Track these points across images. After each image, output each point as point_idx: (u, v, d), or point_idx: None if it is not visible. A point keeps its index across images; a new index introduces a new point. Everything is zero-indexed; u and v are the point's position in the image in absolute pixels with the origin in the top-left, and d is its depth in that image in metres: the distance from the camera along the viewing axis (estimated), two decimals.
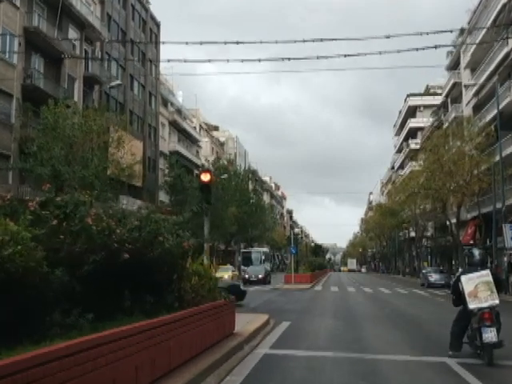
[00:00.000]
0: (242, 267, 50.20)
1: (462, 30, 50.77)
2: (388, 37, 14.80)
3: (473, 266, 9.75)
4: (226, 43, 15.02)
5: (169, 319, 7.31)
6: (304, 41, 15.15)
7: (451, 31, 14.98)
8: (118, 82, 37.00)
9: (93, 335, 5.06)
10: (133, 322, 6.31)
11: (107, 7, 43.58)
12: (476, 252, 9.99)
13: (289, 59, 15.34)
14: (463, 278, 9.50)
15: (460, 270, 35.24)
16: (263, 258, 56.11)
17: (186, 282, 9.33)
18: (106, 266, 6.29)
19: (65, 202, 6.09)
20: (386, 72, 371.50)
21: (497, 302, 9.24)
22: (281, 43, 15.28)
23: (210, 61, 15.42)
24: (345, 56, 15.61)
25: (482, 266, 9.76)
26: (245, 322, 13.37)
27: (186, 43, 15.12)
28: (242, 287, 21.90)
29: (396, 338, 12.24)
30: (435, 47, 14.99)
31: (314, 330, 13.62)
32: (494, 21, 36.40)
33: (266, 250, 64.16)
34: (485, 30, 40.21)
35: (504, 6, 35.57)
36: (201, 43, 15.09)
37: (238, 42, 14.96)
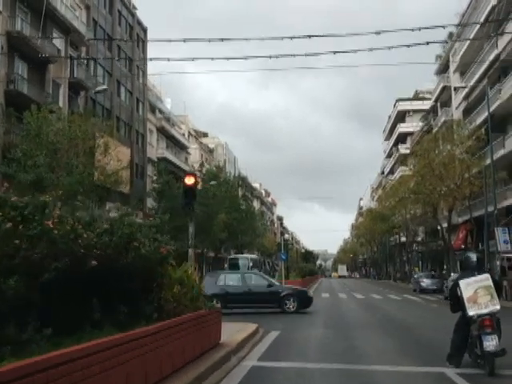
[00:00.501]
0: None
1: (451, 34, 50.83)
2: (378, 33, 14.35)
3: (469, 270, 9.22)
4: (210, 40, 14.50)
5: (145, 332, 6.69)
6: (292, 37, 14.66)
7: (444, 27, 14.53)
8: (104, 86, 36.42)
9: (48, 354, 4.42)
10: (102, 336, 5.70)
11: (93, 12, 42.96)
12: (473, 256, 9.45)
13: (276, 57, 14.81)
14: (462, 283, 8.94)
15: (452, 274, 34.91)
16: (251, 264, 54.84)
17: (166, 290, 8.72)
18: (72, 274, 5.67)
19: (25, 203, 5.46)
20: (375, 77, 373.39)
21: (498, 307, 8.70)
22: (267, 40, 14.87)
23: (193, 59, 14.86)
24: (334, 53, 15.15)
25: (479, 270, 9.22)
26: (232, 332, 12.74)
27: (170, 41, 14.60)
28: (309, 294, 21.82)
29: (390, 347, 11.66)
30: (427, 43, 14.56)
31: (304, 339, 13.01)
32: (484, 23, 36.12)
33: (254, 256, 62.81)
34: (475, 32, 40.10)
35: (493, 8, 35.35)
36: (184, 40, 14.56)
37: (222, 39, 14.44)
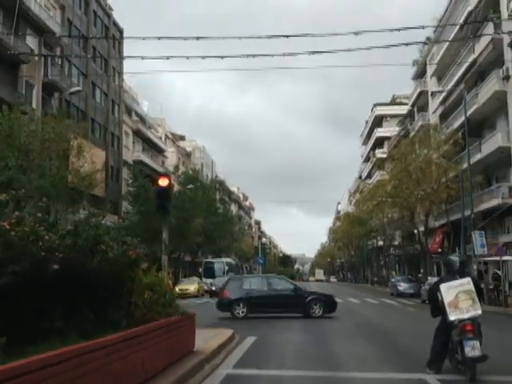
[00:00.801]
0: (204, 279, 48.37)
1: (428, 39, 51.12)
2: (357, 33, 14.16)
3: (452, 274, 8.99)
4: (185, 39, 14.17)
5: (111, 340, 6.29)
6: (269, 36, 14.38)
7: (423, 27, 14.41)
8: (78, 88, 35.75)
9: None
10: (64, 345, 5.29)
11: (68, 12, 42.27)
12: (456, 259, 9.20)
13: (253, 56, 14.52)
14: (443, 287, 8.69)
15: (429, 278, 34.91)
16: (227, 268, 54.03)
17: (137, 296, 8.32)
18: (32, 278, 5.26)
19: None
20: (353, 81, 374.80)
21: (479, 312, 8.46)
22: (245, 42, 14.85)
23: (168, 58, 14.46)
24: (312, 53, 14.90)
25: (461, 273, 8.98)
26: (207, 338, 12.35)
27: (143, 38, 14.23)
28: (335, 299, 21.79)
29: (369, 353, 11.37)
30: (406, 44, 14.40)
31: (281, 345, 12.67)
32: (461, 28, 36.34)
33: (230, 260, 61.97)
34: (452, 37, 40.33)
35: (470, 13, 35.56)
36: (159, 38, 14.20)
37: (198, 38, 14.07)
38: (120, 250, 6.98)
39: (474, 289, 8.57)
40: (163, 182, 12.48)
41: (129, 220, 10.09)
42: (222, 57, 15.08)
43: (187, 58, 14.92)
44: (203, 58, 14.96)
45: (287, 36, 14.55)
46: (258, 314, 20.47)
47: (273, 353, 11.44)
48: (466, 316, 8.37)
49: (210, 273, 51.29)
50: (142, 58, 14.84)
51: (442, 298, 8.62)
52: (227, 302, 21.09)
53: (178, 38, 14.31)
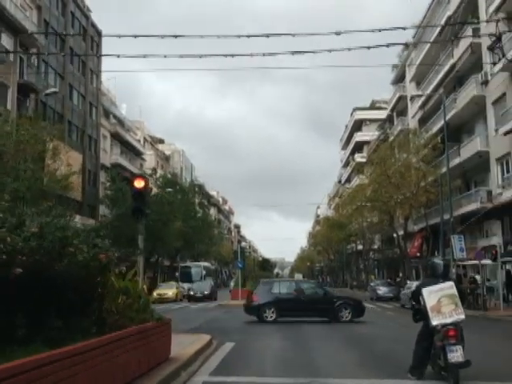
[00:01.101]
0: (180, 284, 47.71)
1: (407, 45, 51.37)
2: (338, 33, 13.93)
3: (434, 278, 8.77)
4: (162, 37, 13.79)
5: (79, 348, 5.93)
6: (249, 36, 14.10)
7: (404, 28, 14.22)
8: (55, 89, 35.11)
9: None
10: (27, 354, 4.93)
11: (44, 13, 41.53)
12: (439, 262, 9.00)
13: (232, 56, 14.22)
14: (425, 291, 8.46)
15: (408, 282, 34.86)
16: (204, 273, 53.32)
17: (109, 301, 7.96)
18: None
19: None
20: (333, 86, 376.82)
21: (462, 316, 8.25)
22: (223, 38, 14.34)
23: (145, 56, 14.13)
24: (292, 54, 14.65)
25: (444, 277, 8.78)
26: (184, 344, 12.02)
27: (119, 37, 13.83)
28: (363, 303, 21.74)
29: (350, 359, 11.11)
30: (387, 45, 14.23)
31: (260, 351, 12.36)
32: (440, 33, 36.54)
33: (208, 264, 61.33)
34: (430, 43, 40.51)
35: (449, 18, 35.75)
36: (135, 36, 13.85)
37: (176, 36, 13.75)
38: (90, 253, 6.62)
39: (456, 293, 8.37)
40: (139, 183, 12.11)
41: (100, 222, 9.56)
42: (200, 56, 14.76)
43: (164, 56, 14.60)
44: (181, 56, 14.64)
45: (267, 35, 14.28)
46: (286, 319, 20.43)
47: (251, 359, 11.14)
48: (448, 321, 8.16)
49: (187, 277, 50.67)
50: (118, 56, 14.47)
51: (424, 302, 8.41)
52: (256, 307, 20.98)
53: (155, 36, 13.94)
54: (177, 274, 55.97)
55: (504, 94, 30.41)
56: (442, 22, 36.71)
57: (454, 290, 8.38)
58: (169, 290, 41.03)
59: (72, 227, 6.68)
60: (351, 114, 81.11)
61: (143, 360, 8.37)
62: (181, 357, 10.26)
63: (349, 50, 14.89)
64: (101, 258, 6.88)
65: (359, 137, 75.37)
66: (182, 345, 11.86)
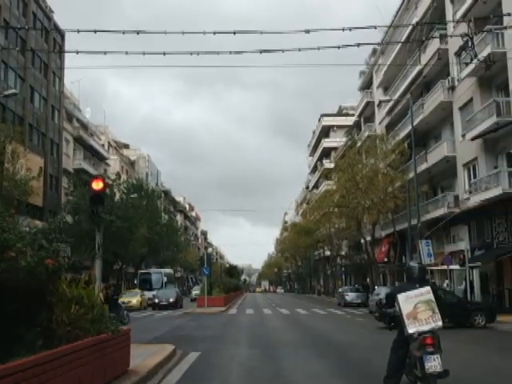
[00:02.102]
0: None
1: (374, 50, 51.59)
2: (307, 31, 13.46)
3: (411, 282, 8.29)
4: (124, 33, 13.13)
5: (21, 365, 5.23)
6: (214, 33, 13.52)
7: (375, 27, 13.82)
8: (14, 90, 33.82)
9: None
10: None
11: (4, 13, 40.15)
12: (415, 266, 8.51)
13: (198, 53, 13.64)
14: (400, 297, 7.94)
15: (376, 288, 34.64)
16: (165, 279, 51.74)
17: (60, 311, 7.25)
18: None
19: None
20: (301, 91, 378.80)
21: (440, 323, 7.75)
22: (187, 34, 13.84)
23: (105, 53, 13.43)
24: (260, 52, 14.14)
25: (420, 281, 8.29)
26: (146, 355, 11.33)
27: (78, 31, 13.07)
28: (493, 308, 21.97)
29: (321, 369, 10.54)
30: (358, 45, 13.83)
31: (226, 362, 11.72)
32: (407, 39, 36.57)
33: (169, 270, 59.26)
34: (397, 49, 40.64)
35: (417, 23, 35.77)
36: (95, 31, 13.10)
37: (138, 32, 13.11)
38: (35, 258, 5.90)
39: (433, 298, 7.90)
40: (97, 185, 11.39)
41: (50, 222, 8.80)
42: (164, 53, 14.14)
43: (126, 53, 13.91)
44: (144, 54, 13.97)
45: (234, 32, 13.73)
46: None
47: (217, 370, 10.48)
48: (425, 328, 7.67)
49: (146, 284, 48.84)
50: (77, 52, 13.72)
51: (399, 308, 7.91)
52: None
53: (117, 31, 13.26)
54: (135, 280, 54.17)
55: (471, 100, 30.50)
56: (410, 28, 36.81)
57: (431, 296, 7.90)
58: (133, 298, 39.92)
59: (15, 229, 5.96)
60: (319, 120, 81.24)
61: (99, 374, 7.68)
62: (141, 369, 9.59)
63: (318, 49, 14.45)
64: (48, 262, 6.16)
65: (327, 143, 75.44)
66: (143, 356, 11.17)
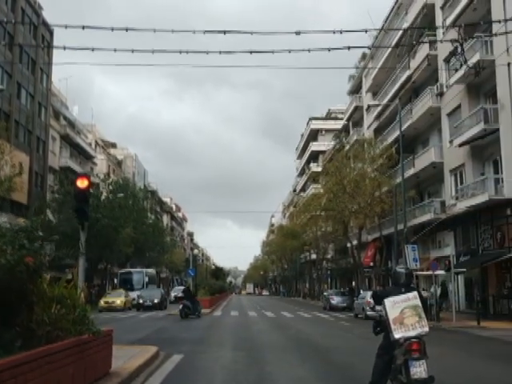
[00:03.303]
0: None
1: (364, 55, 51.70)
2: (298, 33, 13.38)
3: (398, 287, 8.21)
4: (112, 29, 12.95)
5: None
6: (205, 32, 13.39)
7: (366, 31, 13.78)
8: (1, 86, 33.48)
9: None
10: None
11: None
12: (401, 271, 8.43)
13: (187, 52, 13.49)
14: (387, 302, 7.86)
15: (362, 292, 34.62)
16: (147, 279, 50.08)
17: (40, 311, 7.07)
18: None
19: None
20: (290, 94, 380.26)
21: (426, 329, 7.68)
22: (177, 33, 13.76)
23: (93, 49, 13.25)
24: (250, 53, 14.03)
25: (407, 286, 8.22)
26: (128, 357, 11.15)
27: (66, 27, 12.90)
28: None
29: (306, 373, 10.42)
30: (348, 48, 13.76)
31: (210, 365, 11.57)
32: (397, 45, 36.67)
33: (151, 270, 57.61)
34: (387, 54, 40.73)
35: (406, 30, 35.90)
36: (83, 27, 12.93)
37: (127, 29, 12.94)
38: (15, 256, 5.74)
39: (420, 304, 7.83)
40: (82, 183, 11.21)
41: (32, 220, 8.60)
42: (153, 51, 13.98)
43: (114, 50, 13.70)
44: (132, 51, 13.78)
45: (224, 32, 13.60)
46: None
47: (201, 374, 10.32)
48: (412, 333, 7.59)
49: (127, 284, 47.30)
50: (64, 48, 13.50)
51: (386, 313, 7.83)
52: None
53: (105, 28, 13.10)
54: (116, 280, 52.40)
55: (459, 106, 30.62)
56: (400, 33, 36.91)
57: (418, 301, 7.83)
58: (117, 298, 39.57)
59: None
60: (307, 124, 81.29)
61: (79, 376, 7.50)
62: (122, 371, 9.42)
63: (309, 51, 14.34)
64: (28, 261, 6.00)
65: (315, 146, 75.51)
66: (125, 358, 11.00)
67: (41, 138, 47.52)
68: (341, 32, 13.78)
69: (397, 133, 35.56)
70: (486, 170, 28.65)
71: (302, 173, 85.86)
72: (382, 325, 8.15)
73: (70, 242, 23.51)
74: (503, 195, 25.91)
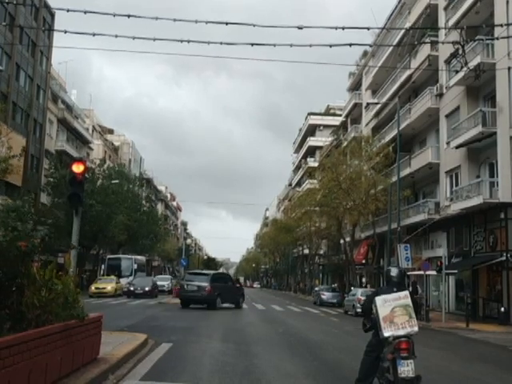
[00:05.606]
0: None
1: (365, 52, 51.61)
2: (300, 28, 13.26)
3: (389, 286, 8.24)
4: (114, 15, 12.86)
5: None
6: (207, 22, 13.29)
7: (368, 28, 13.72)
8: (0, 67, 33.26)
9: None
10: None
11: None
12: (394, 270, 8.45)
13: (188, 41, 13.40)
14: (378, 300, 7.88)
15: (353, 288, 34.73)
16: (135, 267, 49.16)
17: (31, 294, 7.06)
18: None
19: None
20: (290, 86, 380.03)
21: (416, 329, 7.71)
22: (179, 21, 13.70)
23: (94, 34, 13.16)
24: (252, 45, 13.93)
25: (399, 285, 8.24)
26: (116, 344, 11.17)
27: (67, 10, 12.79)
28: None
29: (294, 368, 10.44)
30: (350, 45, 13.68)
31: (198, 354, 11.58)
32: (398, 44, 36.61)
33: (140, 257, 56.12)
34: (388, 53, 40.66)
35: (408, 29, 35.83)
36: (85, 12, 12.83)
37: (129, 16, 12.84)
38: (7, 238, 5.72)
39: (411, 303, 7.85)
40: (77, 168, 11.17)
41: (24, 200, 8.43)
42: (154, 39, 13.87)
43: (116, 36, 13.62)
44: (133, 38, 13.72)
45: (226, 23, 13.52)
46: None
47: (187, 363, 10.34)
48: (401, 332, 7.62)
49: (114, 271, 46.22)
50: (65, 31, 13.40)
51: (376, 311, 7.85)
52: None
53: (107, 13, 13.00)
54: (103, 266, 51.13)
55: (458, 108, 30.65)
56: (402, 32, 36.83)
57: (409, 300, 7.86)
58: (108, 285, 39.59)
59: None
60: (306, 119, 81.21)
61: (66, 360, 7.50)
62: (110, 358, 9.43)
63: (310, 46, 14.24)
64: (20, 244, 5.97)
65: (312, 141, 75.45)
66: (114, 344, 11.02)
67: (38, 120, 47.32)
68: (343, 28, 13.72)
69: (394, 132, 35.61)
70: (481, 173, 28.72)
71: (298, 167, 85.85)
72: (371, 322, 8.18)
73: (64, 227, 23.48)
74: (498, 198, 25.99)
